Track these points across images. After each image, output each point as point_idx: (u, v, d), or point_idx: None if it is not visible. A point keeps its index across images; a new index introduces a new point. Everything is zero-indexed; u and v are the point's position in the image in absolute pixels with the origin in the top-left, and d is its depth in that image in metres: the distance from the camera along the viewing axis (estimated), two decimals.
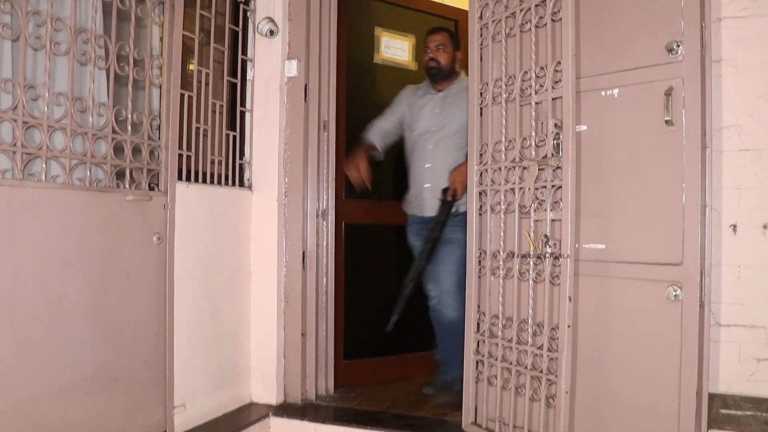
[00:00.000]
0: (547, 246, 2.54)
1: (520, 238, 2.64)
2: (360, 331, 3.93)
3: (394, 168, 4.02)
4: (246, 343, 3.40)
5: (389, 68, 4.15)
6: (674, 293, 2.34)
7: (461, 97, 3.27)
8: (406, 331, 3.69)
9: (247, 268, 3.40)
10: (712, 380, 2.42)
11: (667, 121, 2.37)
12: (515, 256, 2.65)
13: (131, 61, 2.56)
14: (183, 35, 2.78)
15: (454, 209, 3.33)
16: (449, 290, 3.40)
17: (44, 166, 2.22)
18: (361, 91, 4.03)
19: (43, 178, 2.23)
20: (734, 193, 2.46)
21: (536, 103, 2.57)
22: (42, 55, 2.25)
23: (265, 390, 3.41)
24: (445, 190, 3.34)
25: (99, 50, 2.45)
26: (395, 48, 4.10)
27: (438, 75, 3.47)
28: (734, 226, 2.47)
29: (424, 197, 3.47)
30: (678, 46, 2.36)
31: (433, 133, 3.43)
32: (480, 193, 2.84)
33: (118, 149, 2.51)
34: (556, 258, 2.48)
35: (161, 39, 2.75)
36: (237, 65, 3.35)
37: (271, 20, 3.34)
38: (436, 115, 3.44)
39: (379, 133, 3.63)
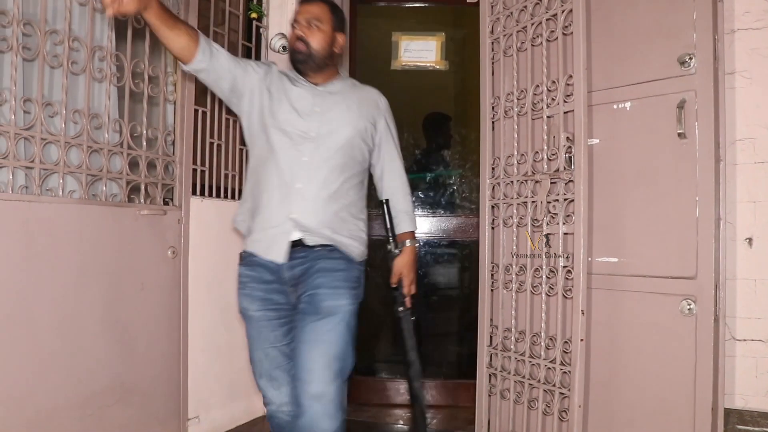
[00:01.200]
0: (547, 246, 2.54)
1: (534, 252, 2.64)
2: (368, 347, 3.93)
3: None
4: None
5: (410, 73, 4.09)
6: (688, 307, 2.32)
7: (351, 99, 2.24)
8: (425, 355, 3.67)
9: None
10: (728, 395, 2.40)
11: (680, 134, 2.36)
12: (528, 269, 2.65)
13: (146, 77, 2.59)
14: None
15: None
16: (326, 392, 1.99)
17: (61, 181, 2.26)
18: None
19: (60, 193, 2.26)
20: (749, 206, 2.45)
21: (548, 117, 2.58)
22: (59, 73, 2.29)
23: None
24: (396, 289, 2.34)
25: (114, 68, 2.48)
26: (417, 50, 3.97)
27: (306, 63, 2.19)
28: (749, 240, 2.45)
29: (281, 232, 2.09)
30: (690, 58, 2.35)
31: (311, 140, 2.13)
32: (492, 207, 2.84)
33: (133, 164, 2.55)
34: (568, 271, 2.48)
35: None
36: None
37: (284, 36, 3.36)
38: (317, 116, 2.17)
39: (218, 52, 2.14)
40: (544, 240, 2.58)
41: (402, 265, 2.33)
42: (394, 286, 2.34)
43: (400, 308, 2.34)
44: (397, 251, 2.31)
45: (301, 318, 2.08)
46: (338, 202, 2.13)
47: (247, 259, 2.18)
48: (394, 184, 2.35)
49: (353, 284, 2.16)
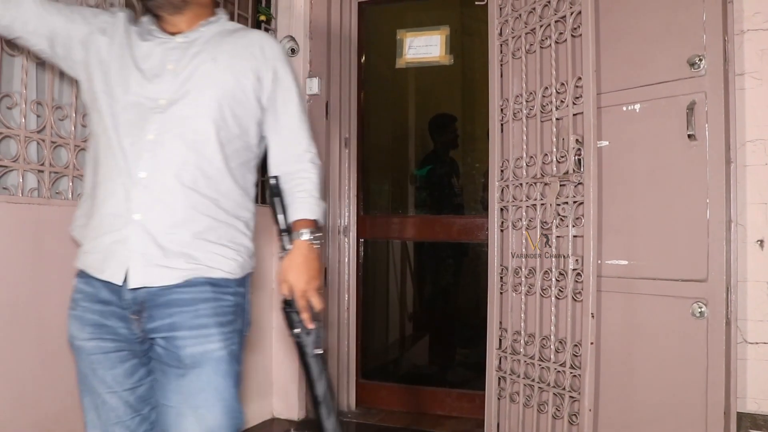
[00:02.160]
0: (547, 246, 2.54)
1: (542, 254, 2.63)
2: (378, 351, 3.92)
3: (413, 181, 4.02)
4: (268, 359, 3.41)
5: (416, 70, 4.07)
6: (699, 310, 2.31)
7: (222, 47, 1.67)
8: (430, 362, 3.65)
9: (269, 284, 3.41)
10: (740, 399, 2.38)
11: (690, 136, 2.35)
12: (537, 272, 2.64)
13: None
14: None
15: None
16: None
17: (71, 184, 2.26)
18: (383, 103, 3.99)
19: (70, 196, 2.27)
20: (761, 207, 2.44)
21: (557, 119, 2.57)
22: (69, 78, 2.29)
23: (287, 406, 3.42)
24: (289, 304, 1.66)
25: None
26: (422, 46, 3.83)
27: (162, 6, 1.64)
28: (761, 242, 2.43)
29: (119, 240, 1.53)
30: (700, 60, 2.34)
31: (161, 110, 1.57)
32: (501, 209, 2.83)
33: None
34: (578, 274, 2.47)
35: None
36: None
37: (293, 39, 3.37)
38: (169, 76, 1.60)
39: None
40: (544, 240, 2.57)
41: (288, 268, 1.64)
42: (287, 300, 1.65)
43: (296, 330, 1.64)
44: (287, 248, 1.66)
45: (159, 369, 1.56)
46: (204, 196, 1.56)
47: (83, 272, 1.61)
48: (289, 157, 1.73)
49: (227, 317, 1.58)
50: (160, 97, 1.57)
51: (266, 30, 3.42)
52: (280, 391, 3.43)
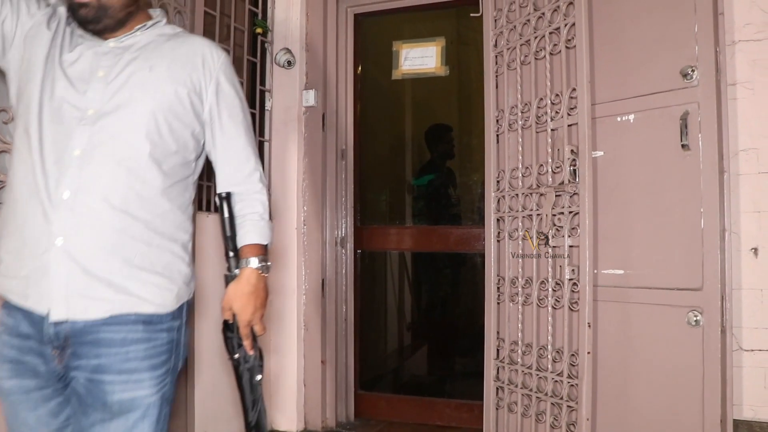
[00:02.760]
0: (547, 246, 2.55)
1: (539, 264, 2.64)
2: (376, 362, 3.92)
3: (410, 192, 4.03)
4: (266, 370, 3.39)
5: (412, 81, 4.08)
6: (695, 318, 2.32)
7: (160, 54, 1.53)
8: (429, 373, 3.65)
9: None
10: (736, 407, 2.39)
11: (683, 146, 2.37)
12: (534, 282, 2.65)
13: None
14: None
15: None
16: None
17: None
18: (380, 114, 4.01)
19: None
20: (754, 216, 2.45)
21: (552, 130, 2.59)
22: None
23: (286, 417, 3.42)
24: (230, 329, 1.61)
25: None
26: (418, 57, 3.86)
27: (99, 21, 1.48)
28: (755, 250, 2.45)
29: (40, 267, 1.37)
30: (693, 70, 2.36)
31: (89, 121, 1.42)
32: (498, 220, 2.85)
33: None
34: (574, 284, 2.48)
35: None
36: (255, 96, 3.40)
37: (289, 51, 3.39)
38: (100, 84, 1.46)
39: None
40: (544, 240, 2.58)
41: (235, 296, 1.56)
42: (228, 324, 1.60)
43: (236, 355, 1.60)
44: (235, 272, 1.58)
45: (81, 412, 1.39)
46: (136, 219, 1.41)
47: (5, 301, 1.45)
48: (237, 177, 1.61)
49: (160, 358, 1.45)
50: (89, 107, 1.42)
51: (263, 43, 3.44)
52: (279, 402, 3.42)
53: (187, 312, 1.56)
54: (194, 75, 1.53)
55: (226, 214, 1.59)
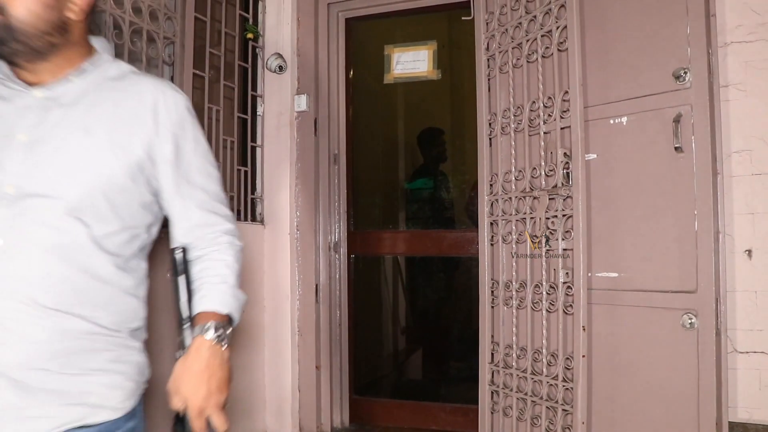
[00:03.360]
0: (548, 245, 2.54)
1: (533, 267, 2.63)
2: (371, 366, 3.90)
3: (404, 195, 4.02)
4: (260, 376, 3.39)
5: (404, 85, 4.06)
6: (689, 321, 2.31)
7: (100, 109, 1.24)
8: (423, 377, 3.64)
9: (261, 302, 3.40)
10: (731, 408, 2.39)
11: (676, 148, 2.36)
12: (528, 285, 2.64)
13: None
14: (193, 73, 2.82)
15: None
16: None
17: None
18: (372, 118, 4.00)
19: None
20: (748, 218, 2.45)
21: (545, 133, 2.58)
22: None
23: (280, 423, 3.40)
24: (180, 421, 1.25)
25: None
26: (410, 61, 3.82)
27: (5, 44, 1.16)
28: (749, 252, 2.45)
29: None
30: (685, 72, 2.36)
31: (9, 202, 1.14)
32: (491, 224, 2.84)
33: None
34: (569, 287, 2.47)
35: (172, 77, 2.79)
36: (247, 101, 3.39)
37: (280, 56, 3.38)
38: (21, 152, 1.17)
39: None
40: (544, 240, 2.57)
41: (182, 377, 1.23)
42: (178, 416, 1.25)
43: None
44: (185, 348, 1.26)
45: None
46: (75, 316, 1.17)
47: None
48: (200, 233, 1.32)
49: None
50: (7, 182, 1.14)
51: (254, 48, 3.42)
52: (273, 407, 3.41)
53: (141, 407, 1.33)
54: (143, 135, 1.24)
55: (182, 273, 1.29)
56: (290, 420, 3.38)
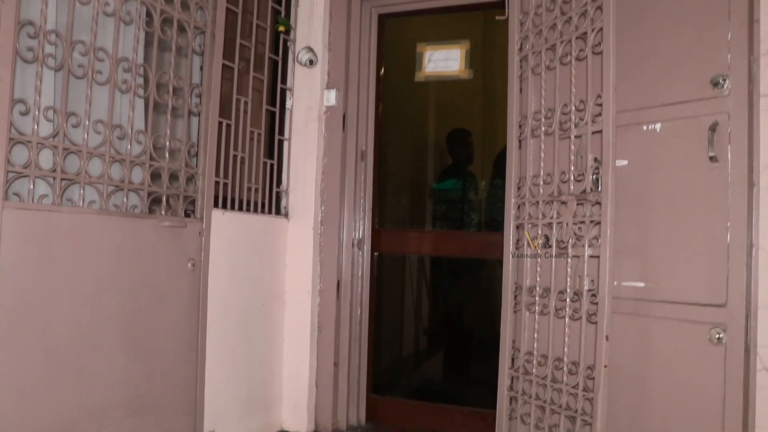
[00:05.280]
0: (548, 246, 2.48)
1: (557, 273, 2.58)
2: (390, 366, 3.88)
3: (431, 195, 3.98)
4: (278, 371, 3.38)
5: (436, 84, 4.03)
6: (717, 336, 2.24)
7: None
8: (447, 377, 3.60)
9: (281, 296, 3.39)
10: (759, 429, 2.30)
11: (711, 158, 2.29)
12: (551, 292, 2.59)
13: (171, 89, 2.59)
14: (223, 64, 2.82)
15: None
16: None
17: (82, 191, 2.25)
18: (402, 116, 3.96)
19: (81, 203, 2.26)
20: None
21: (575, 137, 2.52)
22: (83, 84, 2.29)
23: (296, 418, 3.39)
24: None
25: (139, 79, 2.48)
26: (441, 60, 3.81)
27: None
28: None
29: None
30: (724, 80, 2.29)
31: None
32: (517, 227, 2.79)
33: (155, 176, 2.54)
34: (593, 295, 2.41)
35: (201, 68, 2.79)
36: (276, 94, 3.38)
37: (311, 50, 3.36)
38: None
39: None
40: (544, 239, 2.52)
41: None
42: None
43: None
44: None
45: None
46: None
47: None
48: None
49: None
50: None
51: (285, 41, 3.41)
52: (289, 403, 3.40)
53: None
54: None
55: None
56: (306, 416, 3.37)
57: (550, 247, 2.60)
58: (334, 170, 3.43)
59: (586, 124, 2.46)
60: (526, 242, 2.72)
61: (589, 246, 2.43)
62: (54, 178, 2.17)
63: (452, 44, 3.69)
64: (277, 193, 3.40)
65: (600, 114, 2.40)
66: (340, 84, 3.44)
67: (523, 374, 2.71)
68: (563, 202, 2.55)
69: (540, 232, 2.65)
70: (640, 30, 2.51)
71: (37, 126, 2.11)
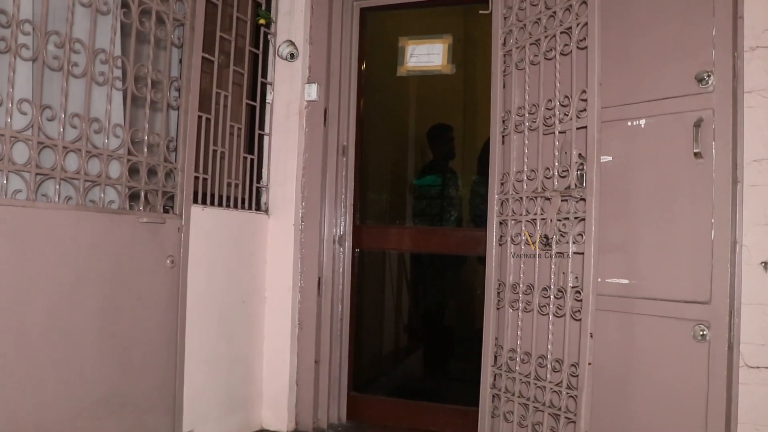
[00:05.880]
0: (548, 246, 2.47)
1: (540, 270, 2.56)
2: (371, 363, 3.85)
3: (412, 191, 3.96)
4: (258, 369, 3.34)
5: (417, 78, 3.99)
6: (701, 332, 2.24)
7: None
8: (428, 375, 3.58)
9: (262, 293, 3.35)
10: (741, 425, 2.31)
11: (696, 154, 2.29)
12: (535, 288, 2.57)
13: (149, 82, 2.53)
14: (202, 57, 2.76)
15: None
16: None
17: (57, 187, 2.19)
18: (383, 111, 3.93)
19: (56, 199, 2.20)
20: (765, 229, 2.37)
21: (560, 133, 2.50)
22: (59, 76, 2.22)
23: (277, 417, 3.35)
24: None
25: (117, 71, 2.42)
26: (424, 54, 3.78)
27: None
28: (765, 264, 2.37)
29: None
30: (708, 76, 2.29)
31: None
32: (500, 223, 2.77)
33: (133, 171, 2.48)
34: (577, 292, 2.40)
35: (180, 61, 2.74)
36: (256, 88, 3.33)
37: (292, 43, 3.32)
38: None
39: None
40: (544, 239, 2.51)
41: None
42: None
43: None
44: None
45: None
46: None
47: None
48: None
49: None
50: None
51: (266, 34, 3.36)
52: (269, 400, 3.36)
53: None
54: None
55: None
56: (287, 415, 3.33)
57: (535, 242, 2.58)
58: (315, 166, 3.39)
59: (571, 119, 2.45)
60: (510, 239, 2.70)
61: (574, 242, 2.42)
62: (28, 173, 2.10)
63: (435, 39, 3.66)
64: (258, 189, 3.35)
65: (585, 110, 2.39)
66: (322, 78, 3.40)
67: (506, 372, 2.70)
68: (547, 199, 2.53)
69: (524, 228, 2.63)
70: (625, 24, 2.51)
71: (11, 119, 2.04)
